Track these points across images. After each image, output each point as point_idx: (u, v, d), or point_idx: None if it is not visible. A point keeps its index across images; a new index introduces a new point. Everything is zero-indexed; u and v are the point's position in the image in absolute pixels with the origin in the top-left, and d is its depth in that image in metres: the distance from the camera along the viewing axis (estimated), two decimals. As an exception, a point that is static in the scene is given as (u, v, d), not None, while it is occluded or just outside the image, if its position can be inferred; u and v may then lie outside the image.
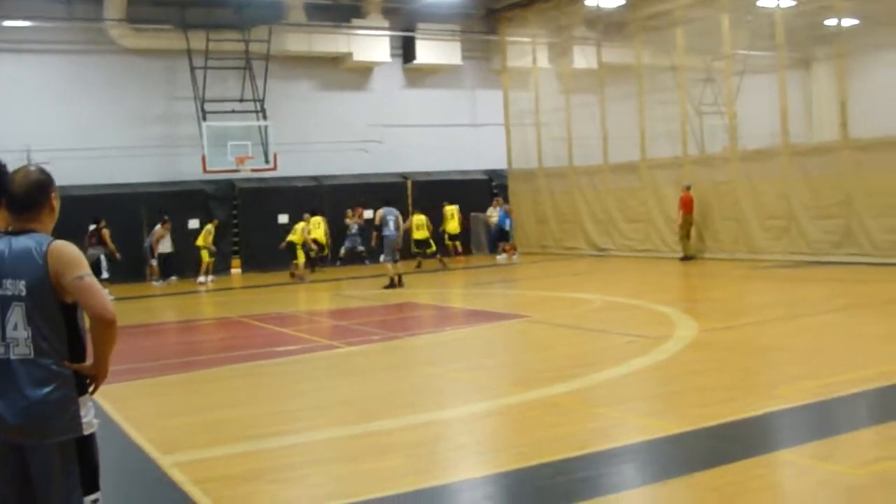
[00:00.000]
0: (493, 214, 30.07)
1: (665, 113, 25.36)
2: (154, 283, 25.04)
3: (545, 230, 30.20)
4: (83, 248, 23.69)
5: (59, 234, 3.89)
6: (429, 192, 31.05)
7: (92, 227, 22.73)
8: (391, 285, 20.09)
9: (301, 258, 25.06)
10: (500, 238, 29.12)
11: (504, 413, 7.92)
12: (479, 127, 33.11)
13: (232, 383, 10.03)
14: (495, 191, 32.67)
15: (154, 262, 25.33)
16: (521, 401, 8.22)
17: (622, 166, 26.70)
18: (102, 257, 22.19)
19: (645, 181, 25.85)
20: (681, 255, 23.84)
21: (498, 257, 28.14)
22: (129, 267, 25.66)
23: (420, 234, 26.70)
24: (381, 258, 20.59)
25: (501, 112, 31.21)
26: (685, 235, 23.80)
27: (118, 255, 22.73)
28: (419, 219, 26.85)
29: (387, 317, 15.96)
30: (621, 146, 26.74)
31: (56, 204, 3.94)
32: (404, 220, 23.31)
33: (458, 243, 28.90)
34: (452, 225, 28.68)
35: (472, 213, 31.62)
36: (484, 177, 32.86)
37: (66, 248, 3.74)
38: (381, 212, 20.29)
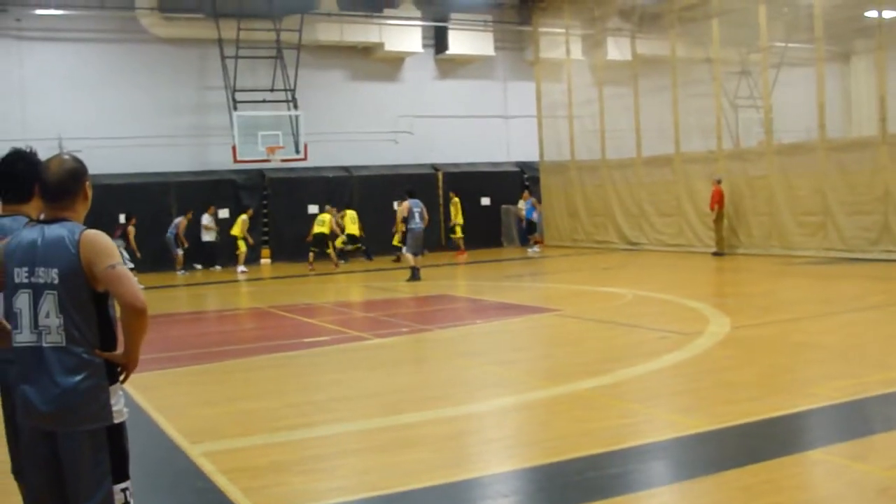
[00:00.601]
0: (524, 207, 30.02)
1: (699, 106, 25.17)
2: (178, 272, 25.22)
3: (576, 224, 30.10)
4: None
5: (90, 223, 3.93)
6: (459, 184, 31.06)
7: (122, 221, 23.02)
8: (413, 277, 20.04)
9: (330, 248, 25.26)
10: (529, 231, 29.21)
11: (533, 407, 7.92)
12: (511, 119, 33.06)
13: (260, 374, 10.11)
14: (527, 183, 32.63)
15: (179, 252, 25.43)
16: (550, 395, 8.22)
17: (655, 160, 26.54)
18: (123, 251, 22.41)
19: (678, 175, 25.69)
20: (713, 249, 23.70)
21: (529, 250, 28.10)
22: (158, 256, 25.92)
23: (352, 228, 26.09)
24: (404, 250, 20.55)
25: (534, 104, 31.14)
26: (719, 230, 23.66)
27: (139, 255, 23.00)
28: (351, 214, 26.32)
29: (417, 309, 15.99)
30: (654, 139, 26.57)
31: (89, 193, 3.98)
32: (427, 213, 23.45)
33: (459, 239, 28.24)
34: (458, 218, 28.50)
35: (503, 206, 31.60)
36: (515, 169, 32.82)
37: (98, 238, 3.78)
38: (406, 204, 20.12)
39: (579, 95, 29.48)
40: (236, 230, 25.96)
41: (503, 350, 11.17)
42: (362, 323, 14.38)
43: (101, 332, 3.80)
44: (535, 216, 29.13)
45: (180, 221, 25.57)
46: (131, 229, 23.40)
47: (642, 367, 9.24)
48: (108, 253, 3.74)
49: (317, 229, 25.27)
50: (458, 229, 28.40)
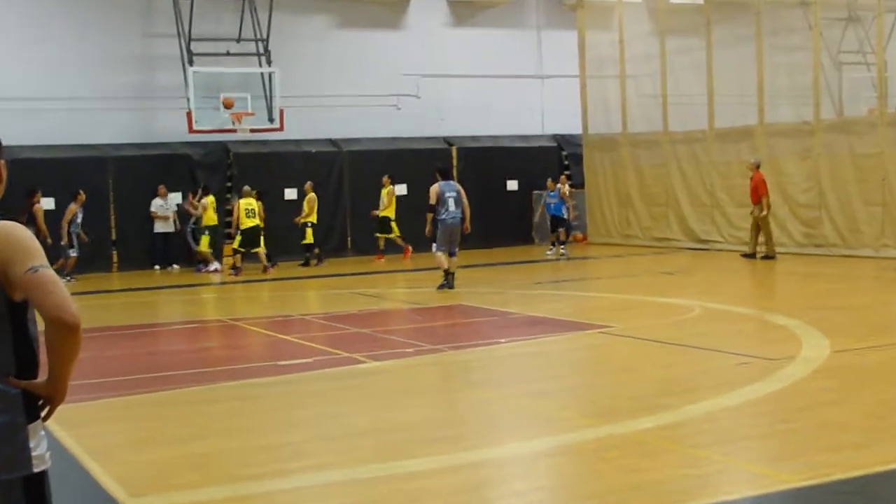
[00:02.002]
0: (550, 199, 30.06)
1: (791, 62, 25.10)
2: (65, 279, 24.19)
3: (629, 215, 30.07)
4: None
5: (2, 211, 3.92)
6: (479, 162, 31.07)
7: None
8: (445, 285, 19.46)
9: (261, 247, 25.42)
10: (556, 227, 28.06)
11: (572, 453, 7.90)
12: (547, 79, 33.02)
13: (222, 406, 10.10)
14: (566, 162, 32.60)
15: (73, 253, 24.34)
16: (594, 437, 8.19)
17: (732, 132, 26.48)
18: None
19: (761, 152, 25.60)
20: (747, 251, 23.64)
21: (548, 251, 27.87)
22: (94, 252, 25.98)
23: (248, 222, 25.21)
24: (434, 247, 19.92)
25: (575, 60, 31.10)
26: (756, 226, 23.54)
27: (49, 240, 22.69)
28: (248, 203, 25.37)
29: (424, 323, 15.97)
30: (732, 106, 26.50)
31: (3, 174, 3.96)
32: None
33: (395, 238, 27.61)
34: (383, 209, 27.54)
35: (536, 192, 31.59)
36: (551, 144, 32.80)
37: (16, 232, 3.73)
38: (436, 188, 19.39)
39: (635, 49, 29.43)
40: (207, 219, 25.92)
41: (534, 378, 11.14)
42: (354, 341, 14.35)
43: (18, 354, 3.77)
44: (564, 212, 27.99)
45: (68, 208, 24.53)
46: (38, 207, 23.26)
47: (714, 402, 9.20)
48: (29, 251, 3.70)
49: (248, 223, 25.10)
50: (393, 226, 27.54)
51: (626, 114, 29.86)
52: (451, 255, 19.43)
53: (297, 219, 26.69)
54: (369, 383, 11.02)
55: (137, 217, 26.67)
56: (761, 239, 23.81)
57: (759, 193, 23.45)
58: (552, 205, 27.89)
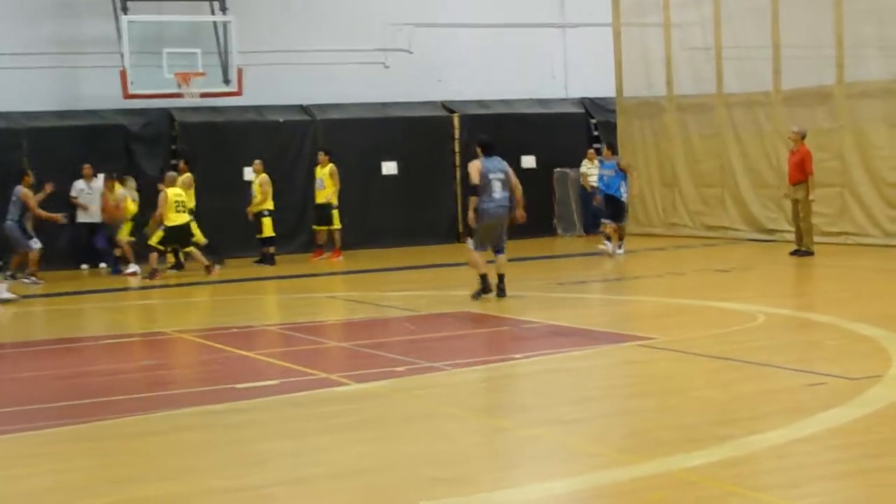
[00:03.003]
0: (591, 172, 29.98)
1: (879, 6, 25.05)
2: (25, 280, 24.39)
3: (675, 198, 30.05)
4: None
5: None
6: (487, 133, 30.77)
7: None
8: (483, 291, 18.60)
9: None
10: (613, 214, 25.95)
11: (606, 496, 7.88)
12: (570, 28, 33.02)
13: (167, 440, 10.08)
14: (596, 132, 32.58)
15: (35, 245, 24.62)
16: (632, 477, 8.17)
17: (804, 94, 26.45)
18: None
19: (842, 119, 25.61)
20: (794, 248, 23.48)
21: (606, 245, 25.71)
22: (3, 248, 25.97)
23: (177, 218, 25.16)
24: (469, 242, 18.86)
25: (607, 4, 31.06)
26: (798, 214, 23.36)
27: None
28: (177, 194, 25.37)
29: (420, 335, 15.96)
30: (803, 62, 26.47)
31: None
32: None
33: (335, 231, 27.52)
34: (322, 194, 27.37)
35: (558, 170, 31.60)
36: (577, 109, 32.81)
37: None
38: (478, 165, 18.51)
39: (681, -10, 29.45)
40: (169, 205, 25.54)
41: (557, 403, 11.13)
42: (332, 357, 14.38)
43: None
44: (623, 190, 25.87)
45: (22, 193, 24.82)
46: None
47: (782, 432, 9.17)
48: None
49: (176, 219, 24.95)
50: (335, 215, 27.29)
51: (671, 72, 29.84)
52: (497, 251, 18.68)
53: (249, 208, 26.55)
54: (351, 410, 10.98)
55: (59, 204, 26.58)
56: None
57: (807, 171, 23.28)
58: (607, 179, 25.83)
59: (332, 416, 10.78)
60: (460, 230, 31.10)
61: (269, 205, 26.66)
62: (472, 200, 18.55)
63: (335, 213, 27.12)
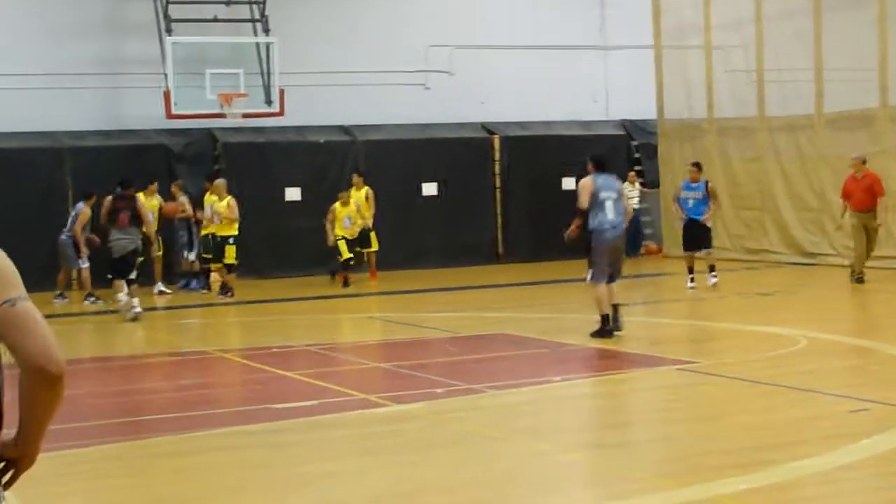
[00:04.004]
0: (632, 194, 29.89)
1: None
2: (86, 301, 24.33)
3: (715, 221, 29.81)
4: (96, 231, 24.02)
5: None
6: (528, 155, 31.00)
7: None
8: (608, 330, 16.17)
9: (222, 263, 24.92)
10: (699, 240, 23.19)
11: (647, 523, 7.84)
12: (612, 51, 32.95)
13: (205, 460, 10.08)
14: (636, 154, 32.49)
15: (84, 264, 24.75)
16: (674, 502, 8.15)
17: (847, 117, 26.30)
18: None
19: (885, 142, 25.45)
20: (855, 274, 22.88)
21: (711, 280, 22.88)
22: (44, 266, 26.07)
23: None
24: (588, 275, 16.55)
25: (648, 27, 31.02)
26: (865, 239, 22.74)
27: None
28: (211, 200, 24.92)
29: (459, 357, 15.94)
30: (846, 85, 26.34)
31: None
32: None
33: (371, 253, 27.01)
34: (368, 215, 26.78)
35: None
36: (618, 131, 32.72)
37: None
38: (589, 184, 16.58)
39: (723, 13, 29.31)
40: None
41: (595, 426, 11.13)
42: (372, 379, 14.35)
43: None
44: (707, 213, 23.32)
45: (81, 211, 25.19)
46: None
47: (825, 458, 9.11)
48: (5, 279, 3.65)
49: (214, 229, 24.46)
50: (372, 237, 26.70)
51: (712, 95, 29.71)
52: (610, 280, 16.43)
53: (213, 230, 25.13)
54: (390, 432, 10.96)
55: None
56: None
57: (879, 193, 22.99)
58: (693, 203, 23.37)
59: (371, 438, 10.75)
60: (499, 252, 31.12)
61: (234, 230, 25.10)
62: (577, 223, 16.61)
63: (372, 235, 26.82)
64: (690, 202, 23.38)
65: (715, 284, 22.68)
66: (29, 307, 3.60)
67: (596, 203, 16.25)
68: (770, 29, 28.10)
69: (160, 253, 25.12)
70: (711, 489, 8.35)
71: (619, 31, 32.66)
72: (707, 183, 23.59)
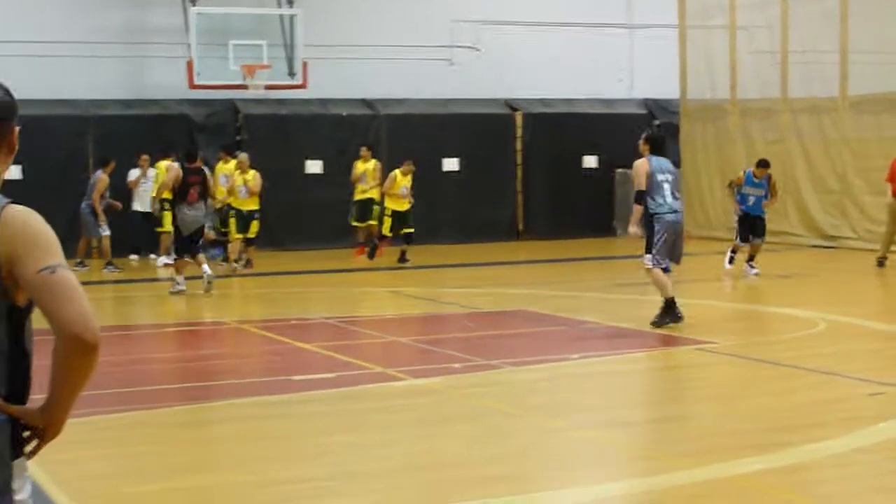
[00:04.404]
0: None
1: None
2: (105, 269, 24.55)
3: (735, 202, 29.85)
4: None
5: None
6: (550, 132, 30.99)
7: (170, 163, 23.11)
8: (669, 317, 15.39)
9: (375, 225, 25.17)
10: (755, 230, 22.17)
11: (661, 501, 7.89)
12: (637, 30, 32.88)
13: (224, 430, 10.16)
14: (654, 127, 32.43)
15: (104, 232, 24.74)
16: (689, 482, 8.16)
17: (872, 101, 26.24)
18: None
19: (911, 126, 25.40)
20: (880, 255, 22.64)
21: (750, 272, 21.80)
22: (66, 235, 26.13)
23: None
24: (647, 259, 15.62)
25: (673, 6, 30.94)
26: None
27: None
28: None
29: (477, 333, 15.97)
30: (872, 67, 26.27)
31: (15, 141, 3.91)
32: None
33: (375, 226, 26.13)
34: (364, 189, 26.30)
35: (619, 170, 31.48)
36: (641, 110, 32.67)
37: (31, 220, 3.68)
38: (645, 166, 15.71)
39: (749, -6, 29.27)
40: (220, 192, 24.88)
41: (613, 405, 11.15)
42: (390, 353, 14.39)
43: (10, 370, 3.74)
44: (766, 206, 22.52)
45: (99, 178, 25.09)
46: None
47: (842, 441, 9.13)
48: (45, 246, 3.66)
49: (238, 203, 24.12)
50: (377, 211, 26.02)
51: (735, 75, 29.65)
52: (666, 269, 15.70)
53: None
54: (408, 406, 11.03)
55: (124, 191, 26.73)
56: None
57: None
58: (754, 200, 22.22)
59: (389, 411, 10.82)
60: (520, 228, 31.14)
61: (374, 193, 25.85)
62: (637, 209, 15.70)
63: (377, 209, 26.09)
64: (752, 199, 22.25)
65: (756, 274, 21.49)
66: (68, 275, 3.64)
67: (654, 185, 15.41)
68: (795, 9, 27.99)
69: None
70: (727, 469, 8.38)
71: (645, 9, 32.60)
72: (770, 177, 22.39)
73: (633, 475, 8.46)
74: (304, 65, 27.60)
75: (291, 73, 27.68)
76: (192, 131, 28.44)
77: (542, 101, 31.68)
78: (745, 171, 22.59)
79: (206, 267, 19.75)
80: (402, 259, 24.94)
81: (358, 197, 26.18)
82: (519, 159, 31.10)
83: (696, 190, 30.84)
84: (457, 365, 13.01)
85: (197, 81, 26.80)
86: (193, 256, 19.95)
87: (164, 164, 24.96)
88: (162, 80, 28.31)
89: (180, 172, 20.15)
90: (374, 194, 26.03)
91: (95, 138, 27.44)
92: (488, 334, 15.90)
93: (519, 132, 31.09)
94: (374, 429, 10.11)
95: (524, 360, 13.38)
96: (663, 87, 31.95)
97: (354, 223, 26.32)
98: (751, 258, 21.91)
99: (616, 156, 31.23)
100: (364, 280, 23.05)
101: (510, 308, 18.15)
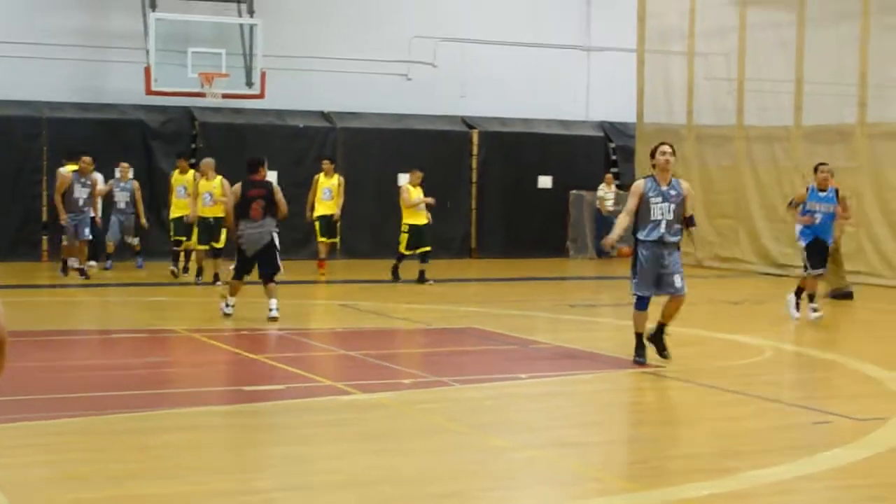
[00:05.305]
0: (608, 196, 29.99)
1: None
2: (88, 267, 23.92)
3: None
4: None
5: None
6: (506, 152, 31.06)
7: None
8: (642, 358, 14.05)
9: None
10: (821, 259, 18.53)
11: (606, 523, 7.88)
12: (595, 52, 33.00)
13: (169, 439, 10.08)
14: (614, 156, 32.57)
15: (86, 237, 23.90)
16: (635, 505, 8.19)
17: (824, 131, 26.39)
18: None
19: (861, 158, 25.56)
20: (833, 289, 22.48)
21: (812, 315, 18.30)
22: (18, 236, 26.03)
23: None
24: (632, 286, 14.35)
25: (632, 30, 31.06)
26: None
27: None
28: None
29: (427, 349, 16.00)
30: (825, 99, 26.43)
31: None
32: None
33: (330, 244, 25.82)
34: (326, 205, 25.18)
35: (574, 192, 31.58)
36: (597, 133, 32.78)
37: None
38: (640, 187, 14.56)
39: (708, 20, 29.37)
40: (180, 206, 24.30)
41: (561, 425, 11.13)
42: (340, 366, 14.36)
43: None
44: (836, 232, 19.57)
45: (59, 174, 24.19)
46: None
47: (786, 468, 9.16)
48: None
49: (206, 212, 23.34)
50: (337, 227, 25.65)
51: (692, 101, 29.79)
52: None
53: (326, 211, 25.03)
54: (355, 420, 10.99)
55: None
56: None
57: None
58: (822, 218, 18.36)
59: (337, 425, 10.78)
60: (473, 246, 31.15)
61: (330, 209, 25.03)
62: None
63: (338, 226, 25.67)
64: (818, 217, 18.28)
65: (819, 315, 18.21)
66: None
67: (645, 210, 14.15)
68: (753, 39, 28.17)
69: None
70: (672, 494, 8.40)
71: (604, 32, 32.72)
72: (838, 191, 18.53)
73: (577, 497, 8.45)
74: (263, 75, 27.56)
75: (249, 83, 27.62)
76: (147, 137, 28.32)
77: (499, 120, 31.73)
78: (807, 188, 18.72)
79: (273, 303, 17.70)
80: (422, 279, 23.97)
81: (321, 212, 25.14)
82: (474, 177, 31.13)
83: (649, 214, 30.88)
84: (406, 381, 13.02)
85: (154, 87, 26.71)
86: (265, 284, 17.93)
87: (190, 173, 24.46)
88: (120, 84, 28.18)
89: (240, 186, 18.10)
90: (334, 209, 25.12)
91: (50, 140, 27.25)
92: (438, 351, 15.90)
93: (475, 150, 31.12)
94: (322, 442, 10.07)
95: (473, 378, 13.40)
96: (620, 110, 32.09)
97: (321, 239, 25.66)
98: (811, 297, 18.29)
99: (571, 177, 31.40)
100: (316, 293, 22.99)
101: (461, 325, 18.13)
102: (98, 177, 24.51)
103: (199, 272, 23.42)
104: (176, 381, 13.25)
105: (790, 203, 19.17)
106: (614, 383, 13.47)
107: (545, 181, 31.84)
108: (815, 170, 18.53)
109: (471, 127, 31.37)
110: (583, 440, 10.42)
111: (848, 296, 22.32)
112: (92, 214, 23.90)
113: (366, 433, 10.48)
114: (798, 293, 18.48)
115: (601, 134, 32.79)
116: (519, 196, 30.87)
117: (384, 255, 27.70)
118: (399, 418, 11.24)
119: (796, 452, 9.72)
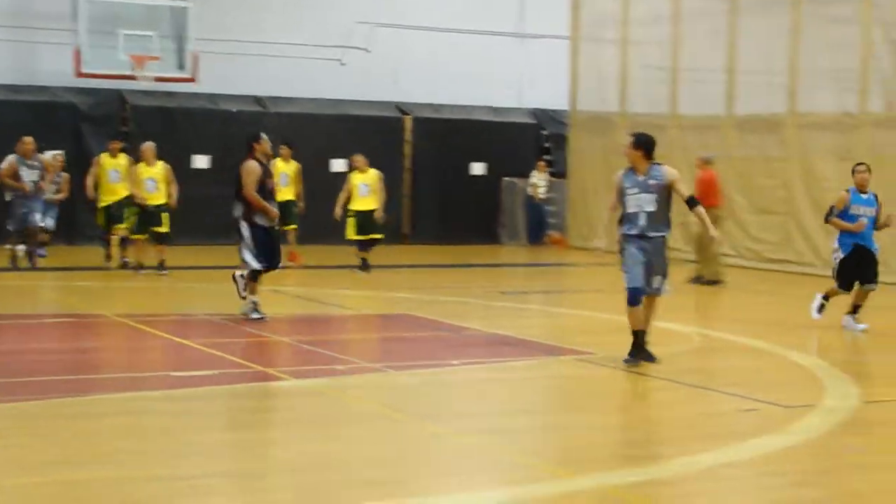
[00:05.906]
0: (540, 183, 30.11)
1: (835, 38, 25.17)
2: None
3: (619, 214, 30.08)
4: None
5: None
6: (439, 138, 31.08)
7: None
8: (635, 356, 13.29)
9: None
10: (865, 272, 16.53)
11: (537, 509, 7.95)
12: (529, 39, 33.07)
13: (103, 424, 10.06)
14: (546, 143, 32.68)
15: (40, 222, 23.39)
16: (562, 491, 8.26)
17: (755, 121, 26.61)
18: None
19: (791, 148, 25.76)
20: (699, 276, 22.94)
21: (856, 326, 16.57)
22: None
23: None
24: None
25: (566, 17, 31.15)
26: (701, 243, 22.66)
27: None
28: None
29: (361, 335, 16.05)
30: (757, 88, 26.60)
31: None
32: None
33: (291, 229, 24.89)
34: (283, 191, 24.02)
35: (506, 179, 31.69)
36: (530, 120, 32.88)
37: None
38: (618, 179, 14.56)
39: (641, 9, 29.49)
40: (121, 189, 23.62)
41: (491, 412, 11.23)
42: (271, 352, 14.36)
43: None
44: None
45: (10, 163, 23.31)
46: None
47: (713, 455, 9.26)
48: None
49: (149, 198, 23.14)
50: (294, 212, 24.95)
51: (625, 89, 29.94)
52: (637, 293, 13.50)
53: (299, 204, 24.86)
54: (289, 406, 11.03)
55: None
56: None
57: (702, 194, 22.03)
58: (864, 219, 16.48)
59: (269, 411, 10.82)
60: (405, 232, 31.18)
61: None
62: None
63: (296, 211, 25.10)
64: (865, 221, 16.51)
65: (864, 330, 16.41)
66: None
67: (623, 202, 14.23)
68: (686, 28, 28.29)
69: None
70: (600, 479, 8.48)
71: (538, 19, 32.81)
72: (876, 196, 16.75)
73: (508, 483, 8.51)
74: (195, 58, 27.43)
75: (181, 66, 27.49)
76: (77, 120, 28.13)
77: (433, 106, 31.78)
78: (847, 190, 16.68)
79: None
80: (365, 266, 23.88)
81: (283, 198, 23.36)
82: (407, 163, 31.19)
83: (581, 201, 31.03)
84: (339, 367, 13.01)
85: (84, 70, 26.54)
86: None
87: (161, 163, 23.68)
88: (49, 66, 28.00)
89: (260, 170, 17.05)
90: (292, 195, 24.75)
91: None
92: (371, 337, 15.99)
93: (408, 136, 31.16)
94: (254, 428, 10.11)
95: (406, 365, 13.43)
96: (553, 98, 32.18)
97: (283, 228, 24.88)
98: (855, 309, 16.66)
99: (504, 164, 31.50)
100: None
101: (394, 312, 18.19)
102: (47, 156, 23.97)
103: (140, 265, 22.90)
104: (106, 366, 13.22)
105: (830, 211, 16.85)
106: (544, 370, 13.54)
107: (478, 168, 31.95)
108: (853, 171, 16.76)
109: (404, 113, 31.40)
110: (515, 426, 10.49)
111: (713, 283, 22.68)
112: (46, 197, 23.50)
113: (299, 419, 10.51)
114: (826, 297, 16.96)
115: (534, 121, 32.91)
116: (452, 182, 30.96)
117: (317, 241, 27.69)
118: (332, 404, 11.27)
119: (724, 439, 9.84)
